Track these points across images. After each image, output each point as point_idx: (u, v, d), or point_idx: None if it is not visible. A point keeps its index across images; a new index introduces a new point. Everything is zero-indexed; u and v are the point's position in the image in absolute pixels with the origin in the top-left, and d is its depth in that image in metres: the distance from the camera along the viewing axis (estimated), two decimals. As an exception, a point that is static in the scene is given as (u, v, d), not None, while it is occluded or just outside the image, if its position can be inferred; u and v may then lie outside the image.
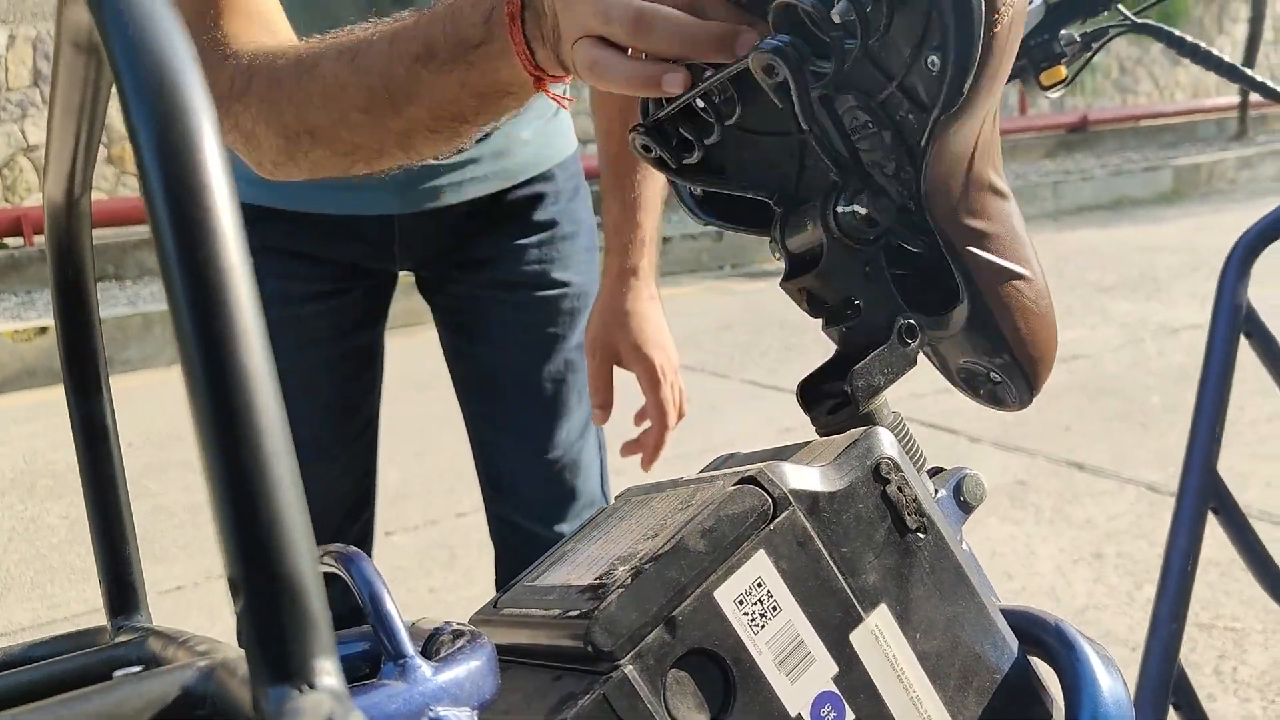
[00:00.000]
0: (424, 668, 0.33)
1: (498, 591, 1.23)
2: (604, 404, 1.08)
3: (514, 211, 1.07)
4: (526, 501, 1.09)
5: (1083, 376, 3.40)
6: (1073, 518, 2.39)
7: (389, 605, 0.33)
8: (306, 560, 0.23)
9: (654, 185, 1.07)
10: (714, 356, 4.00)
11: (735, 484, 0.42)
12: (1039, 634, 0.46)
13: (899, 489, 0.44)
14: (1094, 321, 4.10)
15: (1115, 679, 0.44)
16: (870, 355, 0.50)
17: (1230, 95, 10.00)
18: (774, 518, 0.41)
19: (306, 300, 1.04)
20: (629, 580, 0.39)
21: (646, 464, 1.12)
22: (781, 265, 0.54)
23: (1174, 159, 8.17)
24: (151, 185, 0.23)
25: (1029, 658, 0.46)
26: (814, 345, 4.02)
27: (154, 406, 3.64)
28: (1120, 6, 0.90)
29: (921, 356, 0.53)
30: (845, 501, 0.43)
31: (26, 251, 5.61)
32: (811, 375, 0.53)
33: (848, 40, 0.46)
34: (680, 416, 1.12)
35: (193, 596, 2.32)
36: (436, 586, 2.27)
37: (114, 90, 0.26)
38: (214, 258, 0.24)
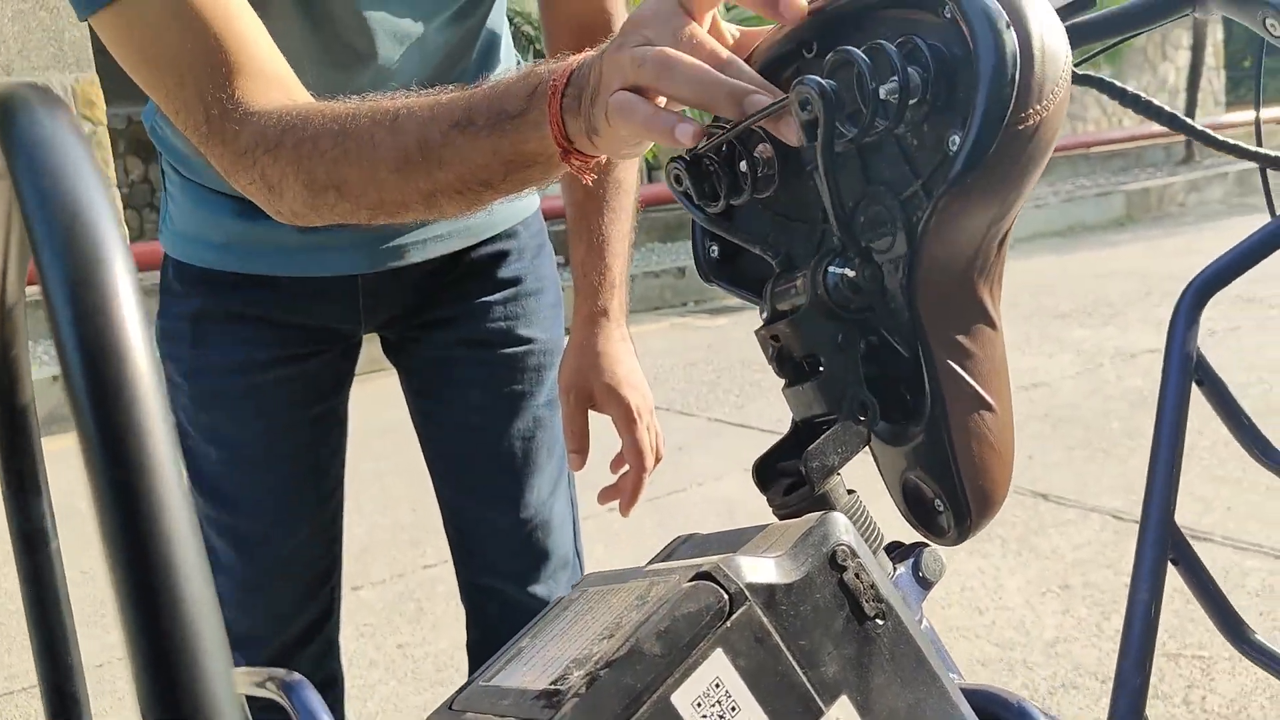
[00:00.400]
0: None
1: (469, 655, 1.20)
2: (580, 449, 1.08)
3: (478, 269, 1.07)
4: (499, 565, 1.08)
5: (1043, 405, 3.44)
6: (1039, 548, 2.40)
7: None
8: (227, 704, 0.22)
9: (621, 226, 1.07)
10: (680, 395, 4.00)
11: (690, 580, 0.41)
12: (1001, 714, 0.46)
13: (856, 576, 0.44)
14: (1051, 349, 4.15)
15: (1080, 760, 0.44)
16: (824, 434, 0.50)
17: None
18: (730, 614, 0.41)
19: (271, 366, 1.02)
20: (583, 688, 0.39)
21: (626, 509, 1.11)
22: (756, 312, 0.55)
23: (1125, 184, 8.33)
24: (65, 343, 0.23)
25: (993, 739, 0.46)
26: (777, 383, 4.04)
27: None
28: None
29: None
30: (802, 592, 0.42)
31: None
32: (766, 454, 0.52)
33: (881, 117, 0.47)
34: (658, 459, 1.11)
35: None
36: (405, 642, 2.24)
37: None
38: (125, 393, 0.23)
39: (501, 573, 1.07)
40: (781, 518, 0.51)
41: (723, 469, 3.08)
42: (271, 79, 0.74)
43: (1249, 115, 1.00)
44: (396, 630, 2.29)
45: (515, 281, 1.08)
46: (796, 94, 0.47)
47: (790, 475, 0.51)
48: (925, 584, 0.51)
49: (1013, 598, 2.20)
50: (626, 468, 1.10)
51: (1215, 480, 2.61)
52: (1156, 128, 10.44)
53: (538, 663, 0.44)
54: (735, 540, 0.48)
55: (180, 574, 0.22)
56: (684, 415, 3.72)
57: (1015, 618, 2.12)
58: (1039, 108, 0.45)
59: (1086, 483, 2.70)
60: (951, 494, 0.53)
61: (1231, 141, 0.91)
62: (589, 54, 0.59)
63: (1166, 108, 0.93)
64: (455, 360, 1.07)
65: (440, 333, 1.08)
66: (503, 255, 1.08)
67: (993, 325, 0.52)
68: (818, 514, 0.45)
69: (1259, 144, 0.93)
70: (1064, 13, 0.86)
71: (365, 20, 0.90)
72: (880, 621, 0.44)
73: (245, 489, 1.04)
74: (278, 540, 1.04)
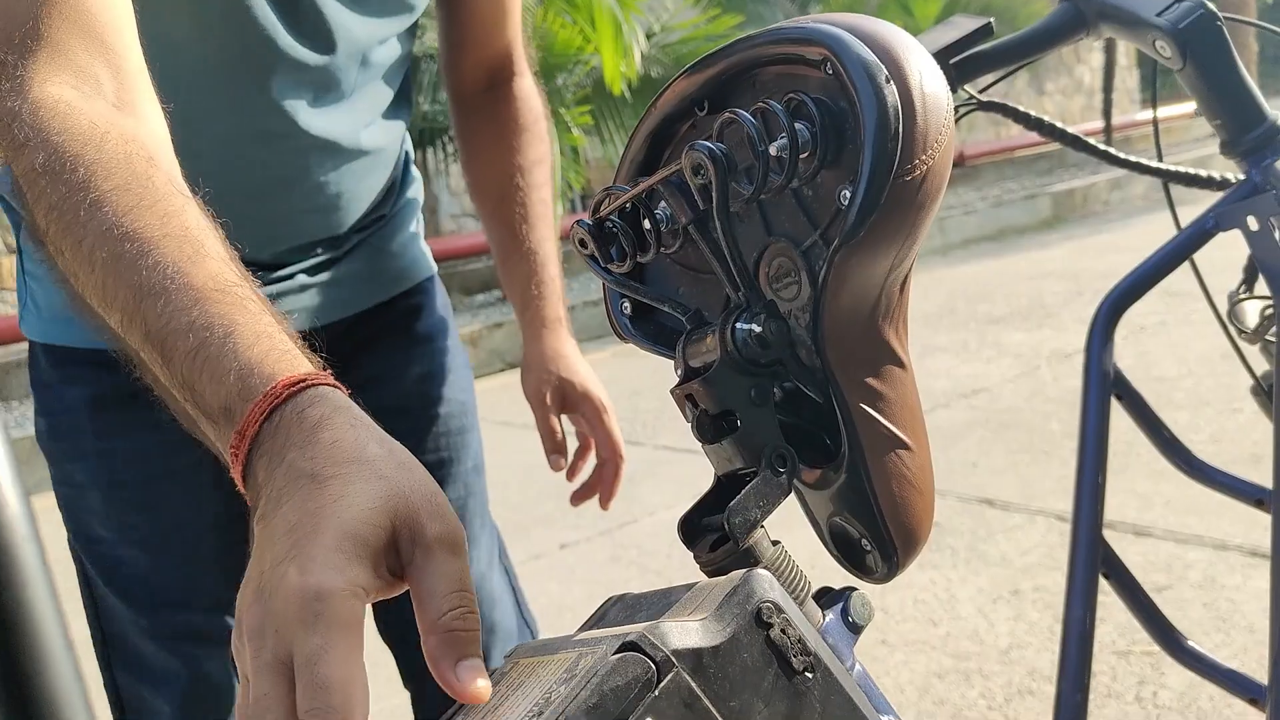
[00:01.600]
0: None
1: None
2: (559, 449, 1.09)
3: (389, 331, 1.04)
4: None
5: (984, 411, 3.49)
6: (988, 556, 2.43)
7: None
8: None
9: (550, 235, 1.10)
10: (627, 424, 3.99)
11: (616, 651, 0.41)
12: (936, 757, 0.46)
13: (782, 631, 0.44)
14: (989, 354, 4.22)
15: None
16: (745, 489, 0.50)
17: (1095, 120, 10.49)
18: (658, 683, 0.41)
19: (190, 444, 0.95)
20: (513, 771, 0.38)
21: (606, 502, 1.13)
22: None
23: (1050, 186, 8.52)
24: None
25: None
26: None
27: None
28: (966, 89, 0.94)
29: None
30: (729, 654, 0.42)
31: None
32: (690, 511, 0.53)
33: (774, 174, 0.47)
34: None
35: None
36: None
37: None
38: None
39: None
40: (709, 574, 0.51)
41: (674, 497, 3.08)
42: (91, 35, 0.61)
43: (1163, 112, 1.03)
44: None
45: (428, 340, 1.06)
46: (689, 159, 0.48)
47: (715, 530, 0.51)
48: (855, 629, 0.51)
49: (965, 607, 2.22)
50: (588, 467, 1.11)
51: (1155, 475, 2.67)
52: (1076, 129, 10.72)
53: (468, 741, 0.44)
54: (663, 602, 0.48)
55: None
56: (632, 444, 3.72)
57: (969, 627, 2.14)
58: (924, 157, 0.46)
59: (1031, 486, 2.74)
60: (876, 534, 0.53)
61: (1133, 159, 0.94)
62: (286, 398, 0.49)
63: (1068, 129, 0.95)
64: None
65: (361, 399, 1.05)
66: (413, 312, 1.06)
67: (901, 365, 0.53)
68: (741, 572, 0.45)
69: (1159, 158, 0.96)
70: (965, 43, 0.88)
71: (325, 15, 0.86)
72: (809, 674, 0.44)
73: (175, 584, 0.94)
74: (210, 638, 0.96)
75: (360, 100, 0.93)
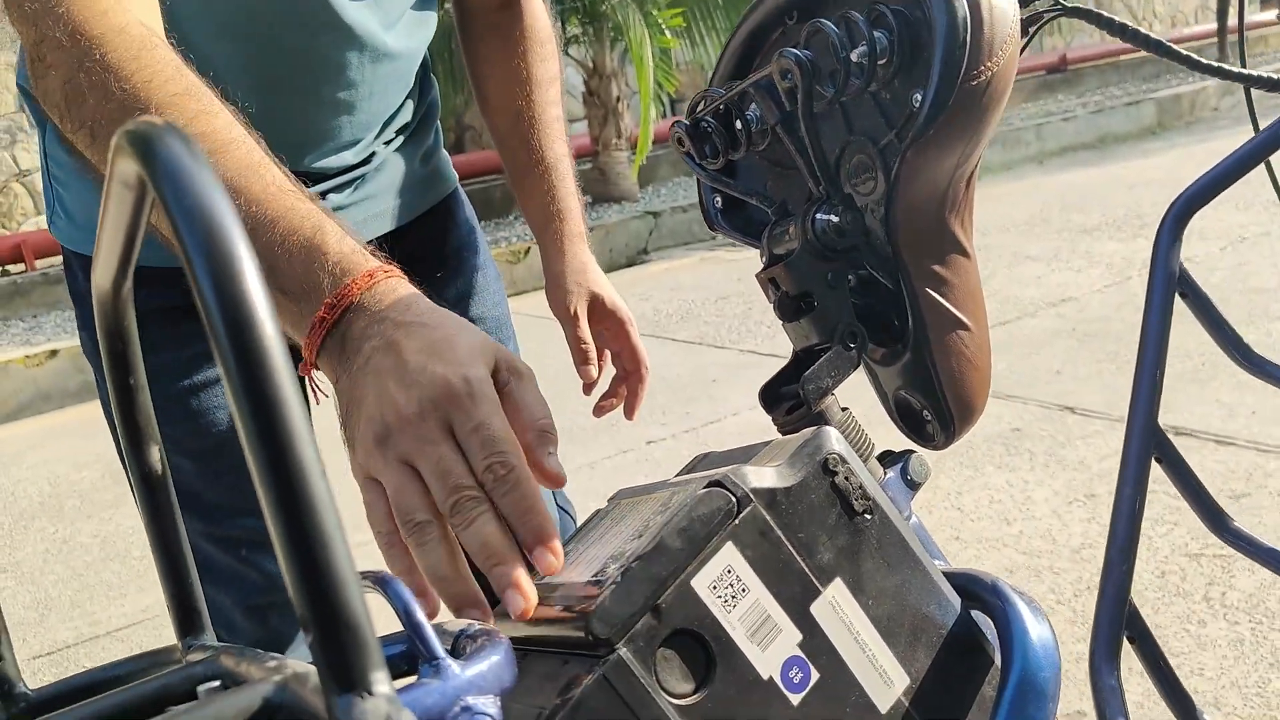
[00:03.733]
0: (453, 666, 0.40)
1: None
2: (590, 360, 1.07)
3: (420, 252, 1.06)
4: None
5: (1071, 320, 3.47)
6: (1066, 460, 2.46)
7: (419, 616, 0.41)
8: (357, 597, 0.30)
9: (567, 157, 1.10)
10: (713, 329, 4.06)
11: (704, 488, 0.49)
12: (978, 591, 0.54)
13: (845, 479, 0.51)
14: (1080, 264, 4.16)
15: (1043, 625, 0.52)
16: (819, 361, 0.57)
17: (1208, 23, 9.97)
18: (739, 514, 0.49)
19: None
20: (619, 577, 0.47)
21: (631, 413, 1.12)
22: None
23: (1155, 92, 8.19)
24: (214, 324, 0.31)
25: (972, 612, 0.54)
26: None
27: (168, 421, 3.71)
28: (1052, -6, 0.96)
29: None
30: (799, 494, 0.50)
31: (29, 277, 5.67)
32: (770, 381, 0.60)
33: (855, 78, 0.54)
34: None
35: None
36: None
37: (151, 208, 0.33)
38: (267, 372, 0.31)
39: None
40: (784, 434, 0.58)
41: (756, 399, 3.16)
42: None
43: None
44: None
45: (458, 258, 1.09)
46: (778, 64, 0.54)
47: (791, 398, 0.58)
48: (913, 485, 0.59)
49: (1040, 508, 2.27)
50: (606, 380, 1.10)
51: (1240, 386, 2.66)
52: (1187, 31, 10.21)
53: (581, 561, 0.53)
54: (744, 454, 0.56)
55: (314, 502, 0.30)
56: (717, 349, 3.80)
57: (1042, 527, 2.19)
58: (990, 64, 0.52)
59: (1113, 394, 2.75)
60: (936, 406, 0.60)
61: (1215, 64, 0.96)
62: (375, 292, 0.55)
63: (1152, 35, 0.97)
64: None
65: None
66: (441, 234, 1.09)
67: (965, 254, 0.59)
68: (812, 429, 0.53)
69: (1243, 64, 0.97)
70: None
71: None
72: (868, 516, 0.51)
73: (227, 495, 0.96)
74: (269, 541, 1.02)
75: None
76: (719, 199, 0.66)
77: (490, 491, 0.50)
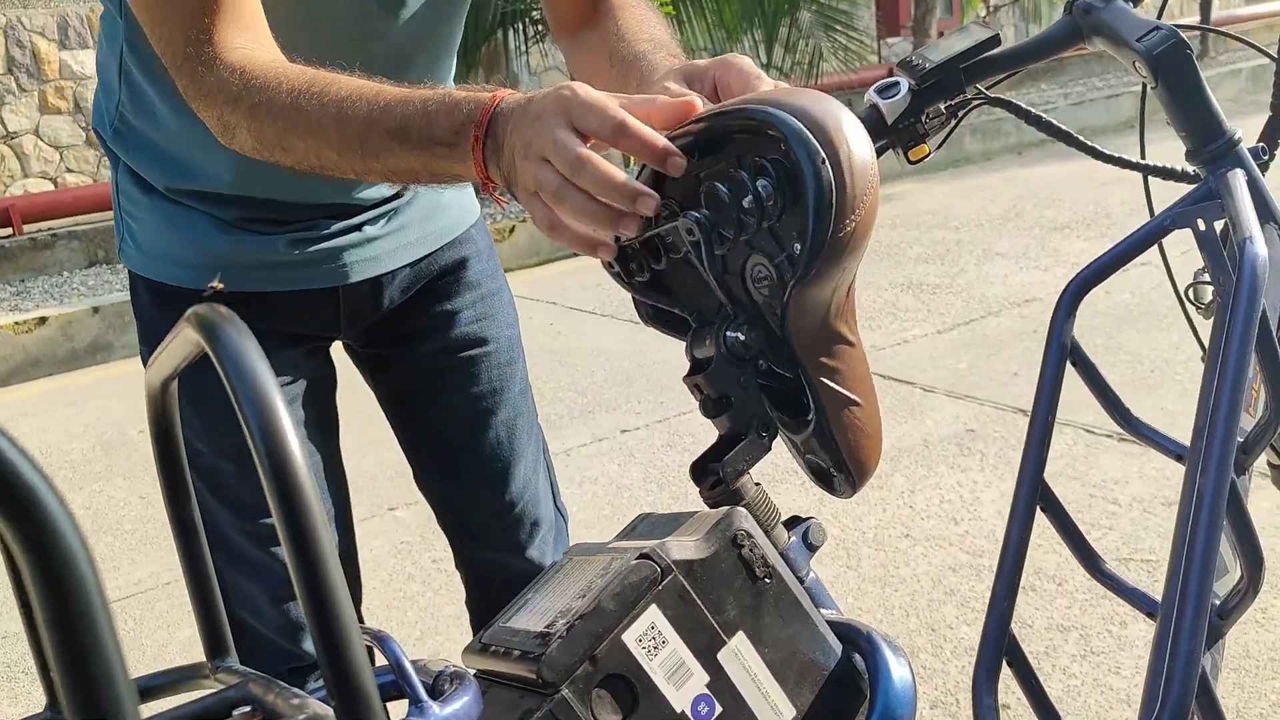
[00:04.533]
0: (434, 707, 0.53)
1: (470, 613, 1.31)
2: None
3: (445, 278, 1.16)
4: (495, 540, 1.20)
5: (1033, 321, 3.61)
6: (1015, 462, 2.61)
7: (409, 669, 0.54)
8: (369, 673, 0.43)
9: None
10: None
11: (636, 559, 0.62)
12: (855, 638, 0.67)
13: (750, 550, 0.64)
14: (1047, 263, 4.30)
15: (903, 669, 0.65)
16: (737, 447, 0.70)
17: (1190, 15, 10.07)
18: (662, 581, 0.61)
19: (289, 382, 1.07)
20: (565, 632, 0.60)
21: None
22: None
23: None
24: (260, 454, 0.43)
25: (852, 655, 0.67)
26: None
27: (158, 393, 3.80)
28: (977, 85, 1.08)
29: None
30: (712, 564, 0.63)
31: (17, 241, 5.73)
32: (699, 458, 0.73)
33: (749, 219, 0.66)
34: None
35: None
36: (438, 558, 2.49)
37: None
38: (289, 467, 0.43)
39: (500, 547, 1.20)
40: (710, 505, 0.71)
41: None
42: (246, 23, 0.85)
43: (1268, 7, 1.13)
44: (430, 546, 2.54)
45: (477, 285, 1.19)
46: (683, 225, 0.67)
47: (714, 475, 0.71)
48: (812, 548, 0.72)
49: (987, 509, 2.42)
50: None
51: (1185, 395, 2.80)
52: (1240, 13, 10.29)
53: (537, 611, 0.66)
54: (674, 524, 0.69)
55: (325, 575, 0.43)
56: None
57: (987, 528, 2.34)
58: (853, 216, 0.64)
59: (1064, 398, 2.89)
60: (840, 465, 0.73)
61: (1112, 154, 1.09)
62: (505, 100, 0.73)
63: (1060, 126, 1.10)
64: (435, 370, 1.16)
65: (415, 346, 1.16)
66: (464, 261, 1.18)
67: (850, 344, 0.71)
68: (726, 508, 0.66)
69: (1143, 157, 1.10)
70: (975, 50, 1.03)
71: None
72: (768, 580, 0.64)
73: (259, 496, 1.07)
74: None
75: (414, 24, 1.02)
76: (647, 305, 0.78)
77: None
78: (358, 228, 1.09)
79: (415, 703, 0.53)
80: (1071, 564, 2.11)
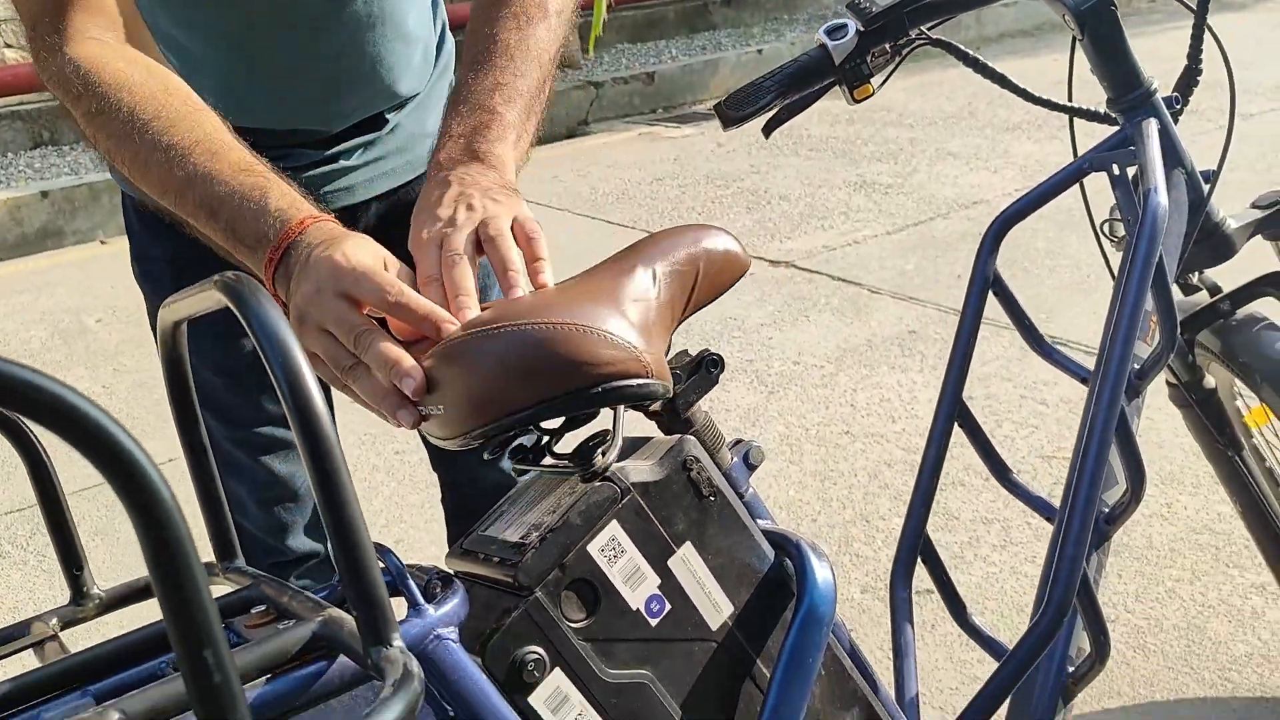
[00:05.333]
0: (429, 609, 0.63)
1: (446, 519, 1.39)
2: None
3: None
4: (471, 454, 1.28)
5: (980, 223, 3.72)
6: (953, 363, 2.74)
7: (410, 581, 0.63)
8: (382, 587, 0.53)
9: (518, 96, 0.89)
10: (647, 212, 4.24)
11: (600, 481, 0.72)
12: (785, 545, 0.78)
13: (698, 474, 0.74)
14: (997, 164, 4.39)
15: (825, 568, 0.76)
16: (689, 382, 0.79)
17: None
18: (622, 500, 0.71)
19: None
20: (538, 543, 0.70)
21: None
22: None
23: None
24: (284, 396, 0.51)
25: (783, 560, 0.78)
26: (736, 200, 4.28)
27: (116, 280, 3.81)
28: (922, 28, 1.15)
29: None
30: (665, 485, 0.73)
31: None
32: (655, 389, 0.82)
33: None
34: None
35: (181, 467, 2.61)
36: (401, 449, 2.60)
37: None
38: (314, 419, 0.52)
39: (474, 459, 1.21)
40: (665, 433, 0.81)
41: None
42: (101, 8, 0.83)
43: None
44: (393, 439, 2.64)
45: None
46: None
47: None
48: (751, 467, 0.82)
49: (924, 409, 2.56)
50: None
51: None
52: None
53: (512, 524, 0.75)
54: (631, 449, 0.78)
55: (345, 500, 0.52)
56: (649, 232, 3.99)
57: (923, 426, 2.47)
58: None
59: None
60: None
61: (1044, 97, 1.17)
62: (307, 231, 0.74)
63: (997, 70, 1.17)
64: None
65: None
66: None
67: None
68: (678, 436, 0.76)
69: (1070, 99, 1.18)
70: (921, -7, 1.09)
71: None
72: (713, 499, 0.75)
73: (248, 409, 1.13)
74: (280, 447, 1.17)
75: None
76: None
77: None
78: (334, 158, 1.12)
79: (413, 605, 0.63)
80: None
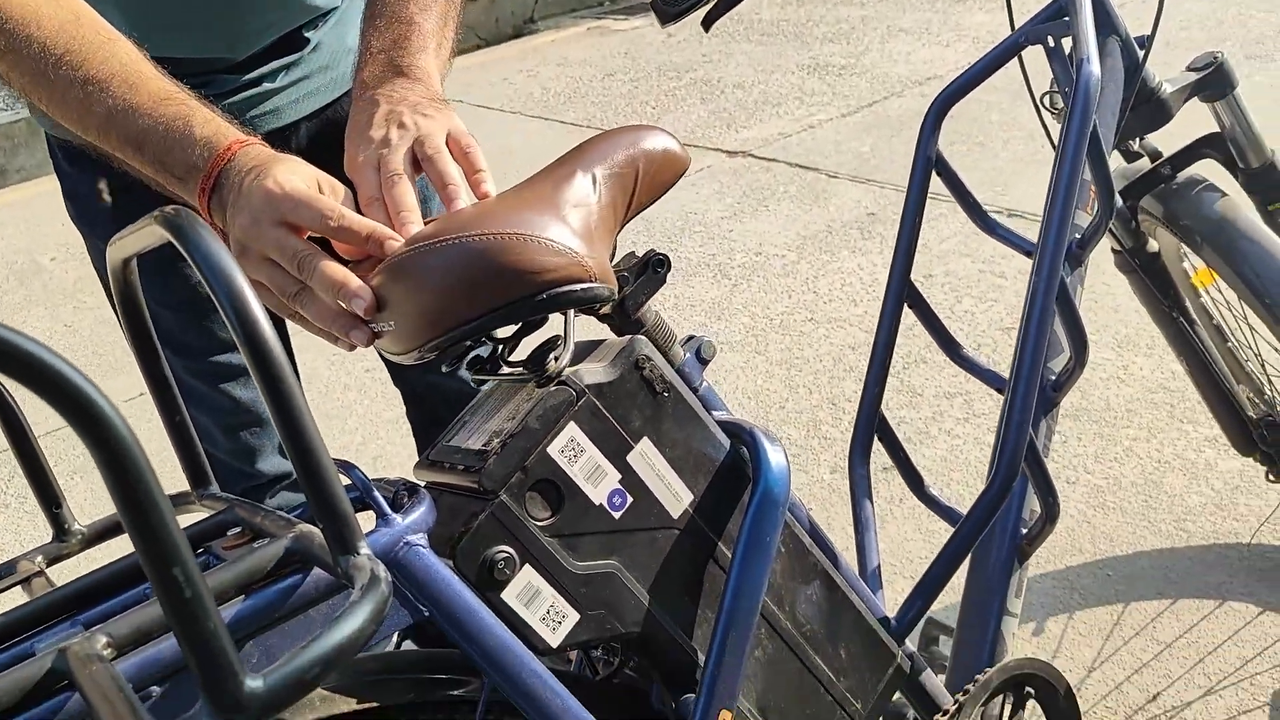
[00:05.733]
0: (397, 518, 0.65)
1: (413, 429, 1.42)
2: None
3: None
4: (430, 365, 1.29)
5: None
6: (912, 243, 2.77)
7: (376, 493, 0.66)
8: (346, 500, 0.55)
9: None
10: (600, 109, 4.19)
11: (555, 385, 0.74)
12: (740, 434, 0.81)
13: (650, 371, 0.76)
14: (949, 38, 4.35)
15: (779, 455, 0.79)
16: (637, 282, 0.81)
17: None
18: (578, 403, 0.74)
19: None
20: (499, 449, 0.72)
21: None
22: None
23: None
24: (233, 325, 0.53)
25: (738, 448, 0.81)
26: (690, 91, 4.22)
27: (63, 216, 3.74)
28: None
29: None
30: (619, 385, 0.75)
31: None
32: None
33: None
34: None
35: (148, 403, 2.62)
36: (370, 367, 2.61)
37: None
38: (264, 345, 0.53)
39: (433, 370, 1.25)
40: (617, 334, 0.83)
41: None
42: None
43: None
44: (362, 357, 2.65)
45: None
46: None
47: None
48: (703, 362, 0.84)
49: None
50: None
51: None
52: None
53: (474, 432, 0.78)
54: (584, 351, 0.80)
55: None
56: (601, 129, 3.95)
57: (884, 306, 2.51)
58: None
59: (962, 176, 3.03)
60: None
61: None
62: (236, 156, 0.74)
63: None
64: None
65: None
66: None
67: None
68: (629, 336, 0.77)
69: (1004, -31, 1.18)
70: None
71: None
72: (666, 394, 0.77)
73: (200, 339, 1.15)
74: (238, 374, 1.19)
75: None
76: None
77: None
78: (256, 82, 1.10)
79: (381, 516, 0.66)
80: (960, 337, 2.30)
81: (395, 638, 0.81)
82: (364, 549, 0.55)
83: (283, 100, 1.13)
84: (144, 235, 0.62)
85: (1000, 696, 0.98)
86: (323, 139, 1.17)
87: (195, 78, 1.08)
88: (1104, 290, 2.36)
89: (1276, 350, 1.41)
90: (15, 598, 0.71)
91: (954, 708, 0.93)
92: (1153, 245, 1.35)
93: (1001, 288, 2.52)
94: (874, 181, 3.17)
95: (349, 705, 0.69)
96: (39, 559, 0.74)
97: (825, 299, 2.59)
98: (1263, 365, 1.48)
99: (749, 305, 2.60)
